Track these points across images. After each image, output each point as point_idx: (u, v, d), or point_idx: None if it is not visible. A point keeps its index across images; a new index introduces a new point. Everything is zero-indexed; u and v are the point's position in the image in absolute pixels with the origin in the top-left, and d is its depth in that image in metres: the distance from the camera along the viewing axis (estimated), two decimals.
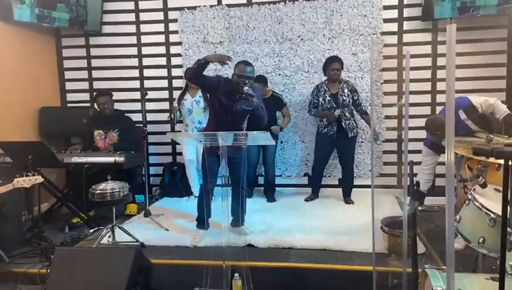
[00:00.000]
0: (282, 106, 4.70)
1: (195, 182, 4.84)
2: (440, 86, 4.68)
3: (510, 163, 1.36)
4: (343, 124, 4.36)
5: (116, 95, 4.67)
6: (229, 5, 4.94)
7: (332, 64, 4.31)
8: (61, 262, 2.86)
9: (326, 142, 4.49)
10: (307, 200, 4.64)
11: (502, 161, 1.39)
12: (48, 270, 2.97)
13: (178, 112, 4.57)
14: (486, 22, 4.44)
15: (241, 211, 3.62)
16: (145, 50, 5.20)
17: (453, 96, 1.33)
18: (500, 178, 2.48)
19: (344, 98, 4.33)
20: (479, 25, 4.47)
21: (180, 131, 4.95)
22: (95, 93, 4.73)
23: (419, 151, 4.62)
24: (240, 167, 3.48)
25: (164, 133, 5.14)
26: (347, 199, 4.58)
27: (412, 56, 4.16)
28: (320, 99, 4.38)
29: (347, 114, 4.38)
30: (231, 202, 3.58)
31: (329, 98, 4.34)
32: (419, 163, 3.71)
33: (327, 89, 4.37)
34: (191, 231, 3.68)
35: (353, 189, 4.65)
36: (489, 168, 2.62)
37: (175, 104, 4.65)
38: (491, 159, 1.67)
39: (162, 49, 5.18)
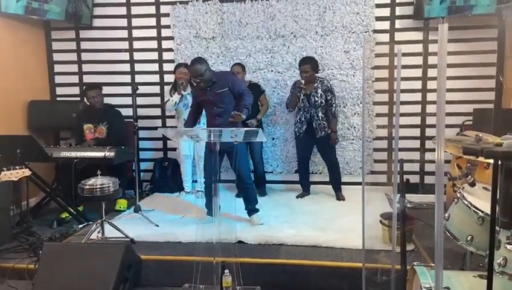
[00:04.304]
0: (261, 94, 4.69)
1: (188, 177, 4.82)
2: (431, 84, 4.71)
3: (499, 163, 1.37)
4: (313, 123, 4.40)
5: (106, 90, 4.63)
6: (221, 0, 4.92)
7: (301, 67, 4.36)
8: (49, 257, 2.84)
9: (301, 141, 4.55)
10: (298, 197, 4.65)
11: (491, 161, 1.40)
12: (36, 266, 2.95)
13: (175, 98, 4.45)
14: (477, 22, 4.47)
15: (246, 203, 3.81)
16: (136, 44, 5.15)
17: (443, 95, 1.34)
18: (489, 177, 2.51)
19: (316, 98, 4.35)
20: (470, 25, 4.50)
21: (176, 127, 4.90)
22: (84, 87, 4.68)
23: (409, 149, 4.68)
24: (239, 160, 3.57)
25: (155, 128, 5.13)
26: (338, 194, 4.60)
27: (404, 54, 4.18)
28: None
29: (319, 114, 4.39)
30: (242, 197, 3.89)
31: (303, 98, 4.37)
32: (409, 161, 3.74)
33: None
34: (182, 227, 3.68)
35: (344, 186, 4.67)
36: (478, 167, 2.64)
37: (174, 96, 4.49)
38: (481, 159, 1.69)
39: (153, 44, 5.14)
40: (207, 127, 3.88)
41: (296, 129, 4.51)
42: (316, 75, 4.43)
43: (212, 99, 3.64)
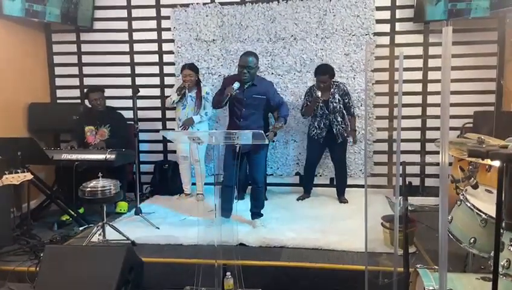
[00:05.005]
0: None
1: (187, 179, 4.81)
2: (431, 87, 4.72)
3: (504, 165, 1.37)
4: (334, 129, 4.37)
5: (107, 92, 4.62)
6: (222, 3, 4.92)
7: (318, 77, 4.31)
8: (50, 260, 2.83)
9: (316, 145, 4.52)
10: (299, 199, 4.65)
11: (494, 163, 1.41)
12: (37, 268, 2.94)
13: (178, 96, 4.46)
14: (478, 25, 4.48)
15: (253, 205, 3.84)
16: (136, 47, 5.15)
17: (448, 97, 1.34)
18: (490, 179, 2.52)
19: (335, 104, 4.33)
20: (471, 27, 4.51)
21: (173, 129, 4.91)
22: (86, 90, 4.68)
23: (410, 152, 4.69)
24: (257, 163, 3.74)
25: (156, 130, 5.13)
26: (341, 197, 4.59)
27: (404, 57, 4.19)
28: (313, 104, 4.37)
29: (339, 119, 4.38)
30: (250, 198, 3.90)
31: (321, 105, 4.33)
32: (411, 163, 3.74)
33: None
34: (183, 230, 3.68)
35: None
36: (480, 169, 2.65)
37: (174, 95, 4.50)
38: (486, 161, 1.70)
39: (154, 46, 5.14)
40: (228, 128, 3.87)
41: (314, 134, 4.43)
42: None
43: (245, 101, 3.64)
